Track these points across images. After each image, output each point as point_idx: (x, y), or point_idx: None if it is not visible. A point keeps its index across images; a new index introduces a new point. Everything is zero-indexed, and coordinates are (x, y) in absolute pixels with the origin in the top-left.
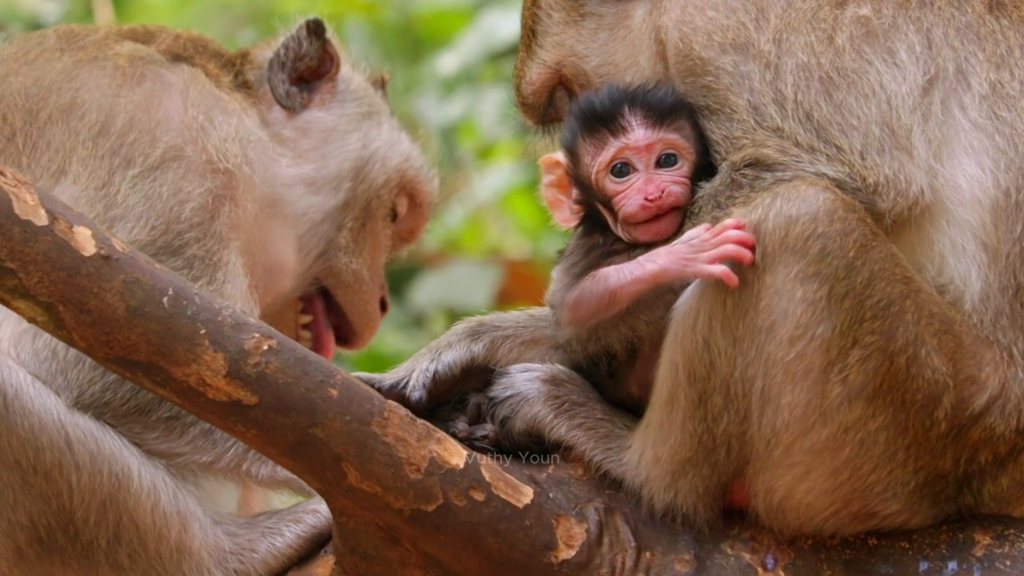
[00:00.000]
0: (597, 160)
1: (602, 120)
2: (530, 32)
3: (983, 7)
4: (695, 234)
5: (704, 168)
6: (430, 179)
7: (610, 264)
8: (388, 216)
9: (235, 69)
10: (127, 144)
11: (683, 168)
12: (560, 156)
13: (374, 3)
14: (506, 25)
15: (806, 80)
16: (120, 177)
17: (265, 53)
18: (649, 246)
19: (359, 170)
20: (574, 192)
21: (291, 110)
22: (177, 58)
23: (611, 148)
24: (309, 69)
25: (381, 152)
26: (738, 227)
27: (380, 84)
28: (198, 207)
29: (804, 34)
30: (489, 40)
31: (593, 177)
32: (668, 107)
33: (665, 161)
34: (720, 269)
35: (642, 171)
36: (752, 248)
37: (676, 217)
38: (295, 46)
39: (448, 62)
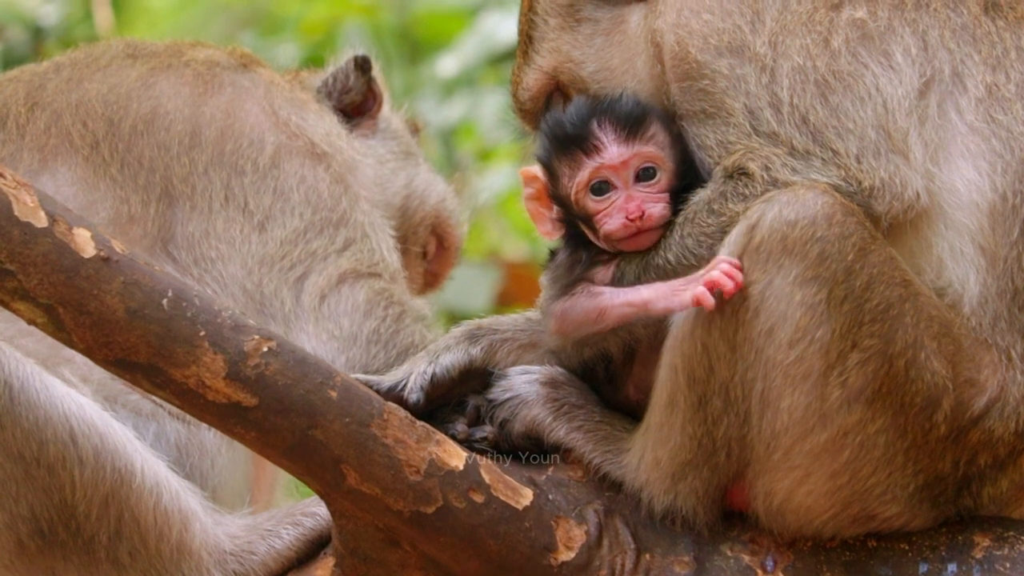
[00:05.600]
0: (575, 181)
1: (574, 140)
2: (527, 38)
3: (979, 9)
4: (693, 274)
5: (686, 172)
6: (460, 223)
7: (593, 274)
8: (420, 255)
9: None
10: (227, 154)
11: (661, 181)
12: (537, 171)
13: (373, 5)
14: (505, 27)
15: (802, 83)
16: (238, 187)
17: (313, 79)
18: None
19: (404, 207)
20: (554, 208)
21: None
22: (246, 66)
23: (587, 168)
24: (352, 104)
25: (420, 190)
26: (729, 263)
27: (415, 130)
28: (332, 182)
29: (800, 37)
30: (489, 42)
31: (573, 197)
32: (637, 118)
33: (643, 175)
34: (699, 290)
35: (621, 188)
36: (738, 281)
37: (657, 232)
38: (343, 79)
39: (447, 64)
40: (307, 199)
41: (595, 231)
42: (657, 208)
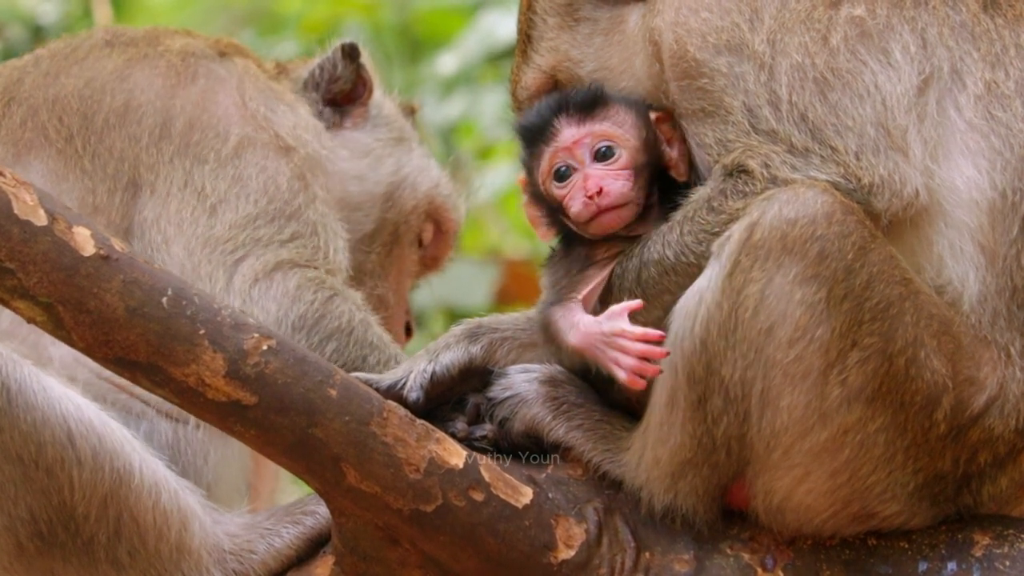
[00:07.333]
0: (540, 171)
1: (535, 133)
2: (525, 37)
3: (977, 6)
4: (613, 324)
5: (654, 151)
6: (457, 207)
7: (587, 277)
8: (415, 242)
9: (275, 75)
10: (192, 144)
11: (621, 158)
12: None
13: (373, 3)
14: (505, 25)
15: (800, 81)
16: (199, 174)
17: (300, 71)
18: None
19: (390, 195)
20: (542, 208)
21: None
22: (224, 55)
23: (546, 155)
24: (342, 93)
25: (411, 178)
26: (648, 338)
27: (410, 112)
28: (292, 177)
29: (798, 35)
30: (488, 40)
31: (543, 188)
32: (590, 100)
33: (603, 154)
34: (625, 376)
35: (580, 168)
36: (657, 356)
37: (623, 211)
38: (330, 68)
39: (447, 62)
40: (264, 188)
41: (571, 219)
42: (616, 184)
